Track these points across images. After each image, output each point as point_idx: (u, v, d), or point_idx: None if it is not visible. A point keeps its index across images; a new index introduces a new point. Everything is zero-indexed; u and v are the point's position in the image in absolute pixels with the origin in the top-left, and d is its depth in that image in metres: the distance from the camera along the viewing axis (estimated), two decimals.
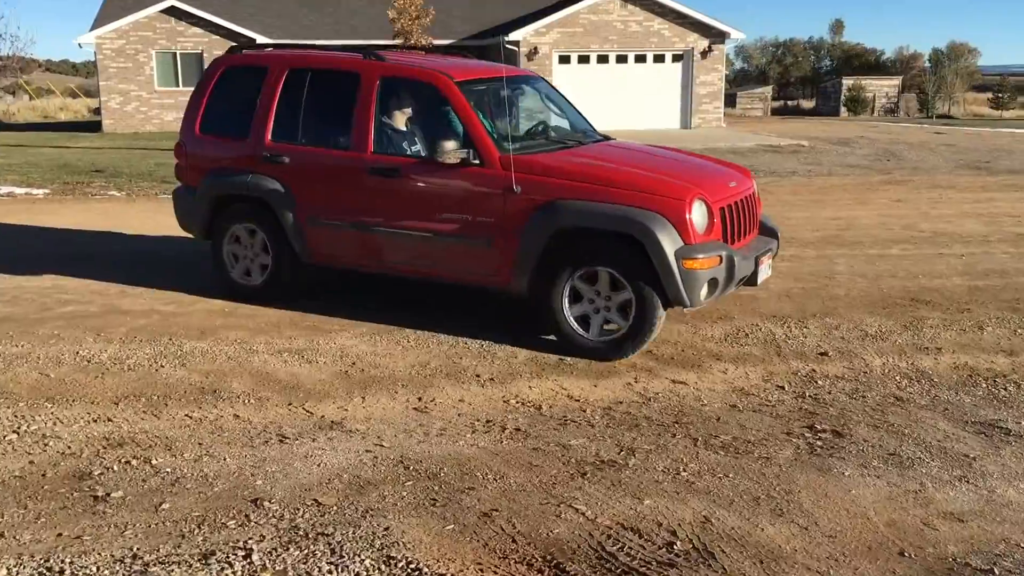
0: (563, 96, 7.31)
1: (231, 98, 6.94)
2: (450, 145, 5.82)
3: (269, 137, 6.60)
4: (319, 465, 4.22)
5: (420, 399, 5.11)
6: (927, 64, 57.44)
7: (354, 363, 5.68)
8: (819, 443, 4.51)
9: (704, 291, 5.46)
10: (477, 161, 5.84)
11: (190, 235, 7.35)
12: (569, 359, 5.77)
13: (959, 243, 9.47)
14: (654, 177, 5.74)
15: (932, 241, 9.57)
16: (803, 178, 15.68)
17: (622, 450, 4.43)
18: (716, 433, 4.64)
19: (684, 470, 4.20)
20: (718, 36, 28.86)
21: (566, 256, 5.63)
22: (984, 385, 5.39)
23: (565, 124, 6.95)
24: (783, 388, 5.34)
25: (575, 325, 5.72)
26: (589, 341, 5.71)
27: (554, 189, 5.63)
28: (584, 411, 4.96)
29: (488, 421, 4.80)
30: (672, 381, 5.42)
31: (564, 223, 5.58)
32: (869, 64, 59.77)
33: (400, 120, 6.45)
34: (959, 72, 53.37)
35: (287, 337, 6.18)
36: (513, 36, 27.53)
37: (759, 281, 6.01)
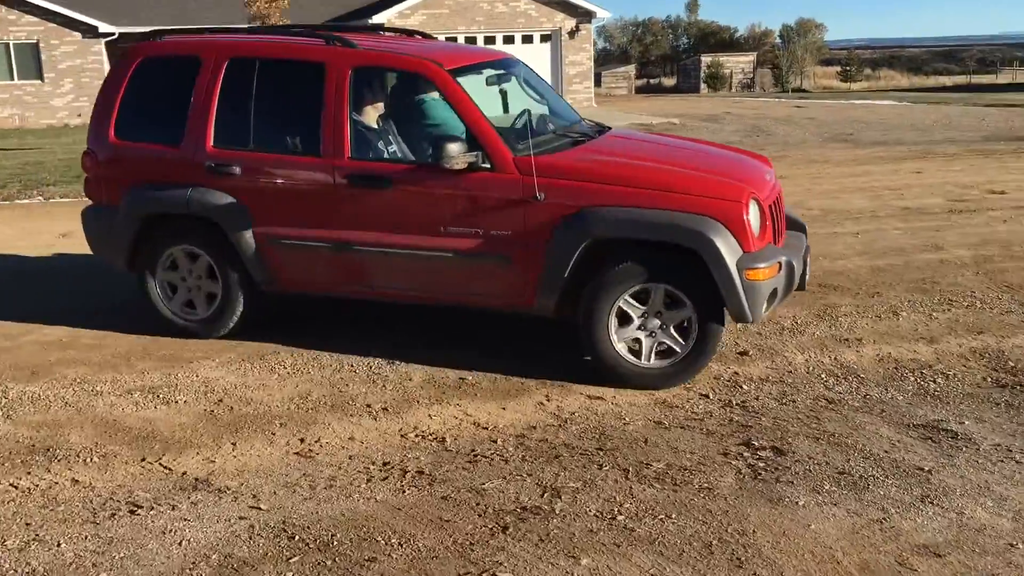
0: (542, 79, 6.37)
1: (154, 96, 5.75)
2: (456, 148, 4.84)
3: (211, 143, 5.46)
4: (181, 543, 3.44)
5: (303, 441, 4.37)
6: (778, 40, 59.49)
7: (221, 400, 4.87)
8: (761, 464, 4.03)
9: (765, 305, 4.80)
10: (487, 165, 4.95)
11: (107, 262, 6.02)
12: (470, 378, 5.13)
13: (850, 220, 9.31)
14: (700, 176, 4.99)
15: (824, 219, 9.37)
16: None
17: (545, 491, 3.82)
18: (647, 460, 4.09)
19: (620, 512, 3.63)
20: (584, 15, 28.63)
21: (608, 272, 4.80)
22: (912, 379, 5.06)
23: (550, 112, 5.92)
24: (708, 397, 4.85)
25: (622, 351, 4.89)
26: (638, 368, 4.90)
27: (585, 194, 4.81)
28: (495, 442, 4.33)
29: (385, 463, 4.11)
30: (588, 397, 4.85)
31: (600, 234, 4.78)
32: (724, 41, 61.28)
33: (374, 117, 5.50)
34: (808, 47, 55.39)
35: (139, 371, 5.28)
36: (376, 19, 26.49)
37: (805, 284, 5.38)
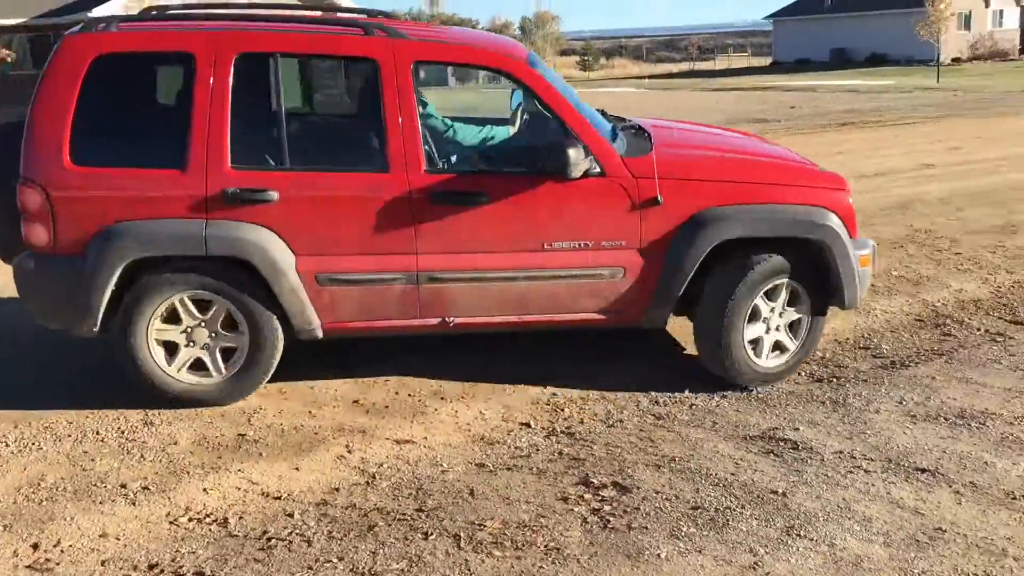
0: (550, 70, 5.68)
1: (126, 105, 4.49)
2: (577, 154, 4.27)
3: (229, 163, 4.27)
4: None
5: (36, 547, 3.37)
6: (519, 32, 61.07)
7: None
8: (607, 508, 3.54)
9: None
10: (597, 169, 4.39)
11: (61, 328, 4.51)
12: (250, 432, 4.29)
13: None
14: (803, 167, 4.93)
15: None
16: None
17: None
18: (478, 519, 3.48)
19: None
20: (328, 10, 27.52)
21: (745, 274, 4.51)
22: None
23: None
24: (529, 426, 4.33)
25: (750, 352, 4.64)
26: (761, 368, 4.69)
27: (704, 194, 4.50)
28: (291, 516, 3.55)
29: (152, 567, 3.23)
30: (395, 442, 4.18)
31: (731, 234, 4.46)
32: None
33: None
34: (547, 38, 57.26)
35: None
36: (98, 11, 23.96)
37: None
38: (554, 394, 4.68)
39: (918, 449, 3.94)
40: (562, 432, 4.25)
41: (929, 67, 38.19)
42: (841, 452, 3.93)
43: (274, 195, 4.29)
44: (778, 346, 4.73)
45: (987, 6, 47.04)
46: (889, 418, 4.27)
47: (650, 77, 46.76)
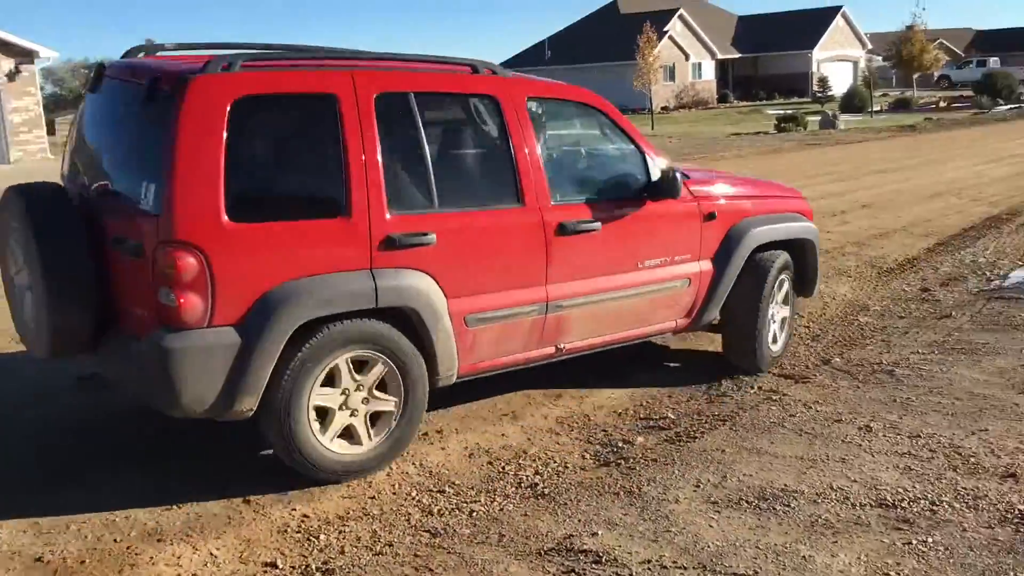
0: None
1: (270, 152, 4.10)
2: (679, 178, 4.86)
3: (387, 208, 4.03)
4: None
5: None
6: None
7: None
8: None
9: None
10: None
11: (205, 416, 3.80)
12: None
13: None
14: (777, 184, 6.13)
15: None
16: None
17: None
18: None
19: None
20: (25, 55, 24.79)
21: (771, 273, 5.40)
22: (512, 475, 4.22)
23: None
24: (275, 566, 3.46)
25: (769, 340, 5.57)
26: (775, 352, 5.65)
27: (739, 209, 5.35)
28: None
29: None
30: None
31: (763, 239, 5.36)
32: None
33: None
34: None
35: None
36: None
37: None
38: (306, 516, 3.83)
39: (730, 547, 3.48)
40: (318, 570, 3.41)
41: (643, 115, 40.84)
42: (649, 562, 3.39)
43: (433, 238, 4.15)
44: (779, 332, 5.68)
45: (687, 59, 51.39)
46: (691, 507, 3.82)
47: None
